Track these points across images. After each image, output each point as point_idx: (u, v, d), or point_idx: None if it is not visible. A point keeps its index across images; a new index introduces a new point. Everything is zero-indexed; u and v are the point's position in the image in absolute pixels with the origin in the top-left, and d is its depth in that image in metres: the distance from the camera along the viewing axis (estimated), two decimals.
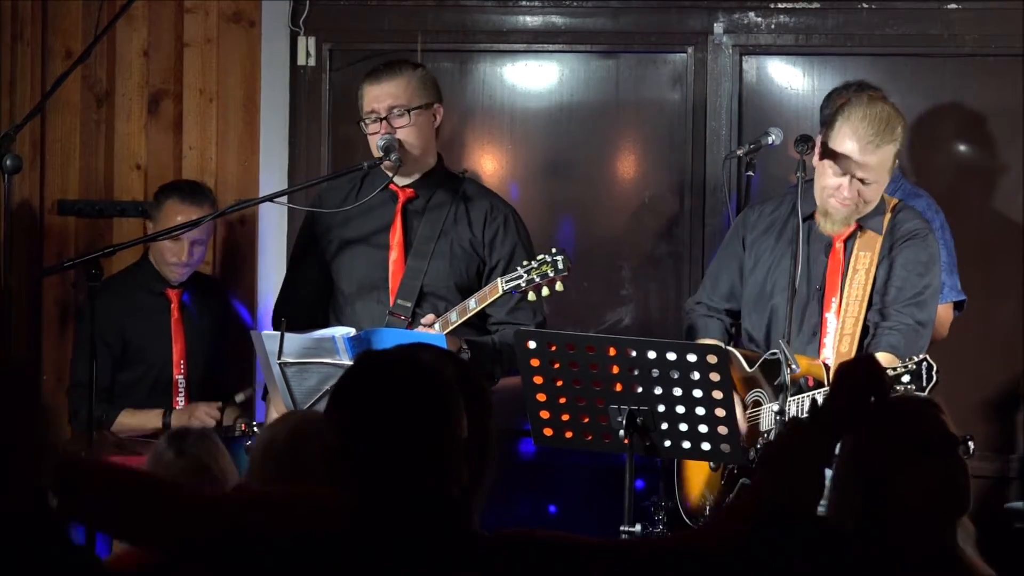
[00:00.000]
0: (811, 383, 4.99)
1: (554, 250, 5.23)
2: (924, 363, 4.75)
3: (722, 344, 5.24)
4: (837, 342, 5.08)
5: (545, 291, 5.21)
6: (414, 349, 3.06)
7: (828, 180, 5.11)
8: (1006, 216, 6.45)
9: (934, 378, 4.74)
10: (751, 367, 5.11)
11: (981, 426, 6.32)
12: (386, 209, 5.52)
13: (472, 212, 5.54)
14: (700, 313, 5.42)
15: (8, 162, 5.44)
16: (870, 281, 5.12)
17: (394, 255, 5.50)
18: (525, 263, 5.23)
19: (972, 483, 3.36)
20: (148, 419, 6.05)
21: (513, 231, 5.56)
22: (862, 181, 5.06)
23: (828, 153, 5.10)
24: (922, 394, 4.65)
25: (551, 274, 5.19)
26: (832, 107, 5.64)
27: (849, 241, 5.18)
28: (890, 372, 4.76)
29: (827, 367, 5.05)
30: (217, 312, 6.28)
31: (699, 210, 6.56)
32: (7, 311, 5.64)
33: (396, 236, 5.50)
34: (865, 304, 5.11)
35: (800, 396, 4.93)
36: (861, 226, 5.17)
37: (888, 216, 5.20)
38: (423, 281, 5.45)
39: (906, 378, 4.75)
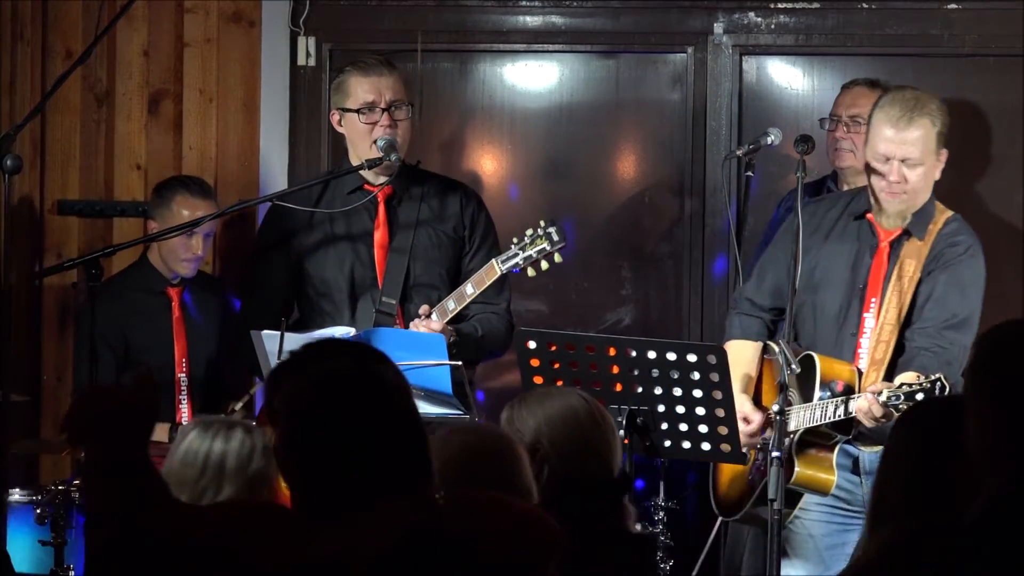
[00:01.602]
0: (840, 388, 4.97)
1: (542, 223, 5.22)
2: (939, 383, 4.75)
3: (751, 344, 5.24)
4: (872, 347, 5.07)
5: (544, 265, 5.21)
6: (371, 367, 2.91)
7: (876, 174, 5.10)
8: (1006, 216, 6.45)
9: None
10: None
11: None
12: (366, 207, 5.53)
13: (447, 197, 5.60)
14: (743, 310, 5.37)
15: (8, 162, 5.43)
16: (911, 291, 5.08)
17: (382, 253, 5.52)
18: (516, 240, 5.22)
19: None
20: (156, 433, 6.02)
21: (486, 213, 5.63)
22: (904, 162, 5.06)
23: (871, 153, 5.10)
24: None
25: (548, 247, 5.18)
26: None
27: (896, 244, 5.16)
28: (905, 388, 4.76)
29: (860, 372, 5.04)
30: (217, 311, 6.26)
31: (699, 210, 6.56)
32: (7, 311, 5.63)
33: (382, 233, 5.52)
34: (904, 313, 5.08)
35: (825, 401, 4.92)
36: (909, 232, 5.15)
37: (938, 226, 5.17)
38: (410, 275, 5.47)
39: (920, 395, 4.74)
